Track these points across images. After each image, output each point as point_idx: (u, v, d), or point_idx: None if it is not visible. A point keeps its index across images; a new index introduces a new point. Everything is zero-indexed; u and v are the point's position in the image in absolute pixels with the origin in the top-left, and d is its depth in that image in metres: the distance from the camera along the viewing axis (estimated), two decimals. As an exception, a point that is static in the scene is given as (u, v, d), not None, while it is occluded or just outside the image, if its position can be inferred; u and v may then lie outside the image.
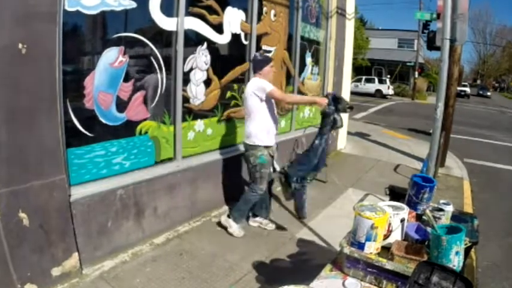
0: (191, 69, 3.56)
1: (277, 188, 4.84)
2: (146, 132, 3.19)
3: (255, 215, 3.69)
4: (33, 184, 2.34)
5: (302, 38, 5.48)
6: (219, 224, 3.56)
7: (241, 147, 4.35)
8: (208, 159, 3.86)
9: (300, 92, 5.68)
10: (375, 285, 1.62)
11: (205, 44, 3.66)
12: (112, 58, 2.81)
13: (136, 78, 3.02)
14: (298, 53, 5.39)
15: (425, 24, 8.29)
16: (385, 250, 1.70)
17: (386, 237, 1.75)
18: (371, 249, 1.64)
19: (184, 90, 3.50)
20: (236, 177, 4.21)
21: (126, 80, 2.93)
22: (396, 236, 1.79)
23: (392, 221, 1.77)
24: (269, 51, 4.74)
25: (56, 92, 2.41)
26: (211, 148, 3.98)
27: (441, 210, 1.96)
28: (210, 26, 3.71)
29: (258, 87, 3.17)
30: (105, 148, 2.88)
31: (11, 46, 2.14)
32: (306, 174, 3.35)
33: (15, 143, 2.23)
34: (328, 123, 3.25)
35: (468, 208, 4.65)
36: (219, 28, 3.83)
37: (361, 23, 29.45)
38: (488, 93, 38.40)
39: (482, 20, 45.08)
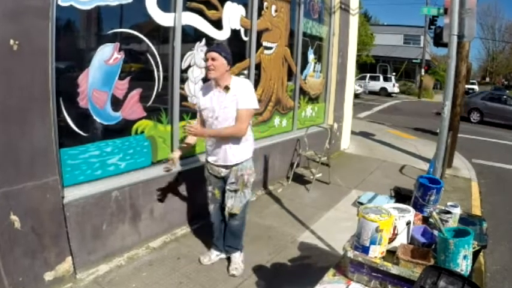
0: (189, 66, 3.49)
1: (279, 190, 4.77)
2: (142, 132, 3.12)
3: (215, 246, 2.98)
4: (25, 185, 2.28)
5: (304, 34, 5.40)
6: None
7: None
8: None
9: (302, 90, 5.59)
10: (379, 291, 1.58)
11: (203, 40, 3.60)
12: (107, 55, 2.75)
13: (132, 75, 2.95)
14: (300, 49, 5.31)
15: (432, 20, 8.20)
16: (391, 254, 1.67)
17: (391, 240, 1.72)
18: (376, 253, 1.61)
19: (181, 88, 3.44)
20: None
21: (121, 77, 2.86)
22: (402, 240, 1.76)
23: (397, 223, 1.74)
24: (270, 48, 4.66)
25: (49, 90, 2.35)
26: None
27: (448, 212, 1.90)
28: (209, 22, 3.63)
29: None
30: (100, 148, 2.82)
31: (2, 42, 2.08)
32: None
33: (6, 143, 2.17)
34: None
35: (476, 210, 4.54)
36: (218, 24, 3.76)
37: (365, 18, 29.09)
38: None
39: (491, 16, 44.41)
